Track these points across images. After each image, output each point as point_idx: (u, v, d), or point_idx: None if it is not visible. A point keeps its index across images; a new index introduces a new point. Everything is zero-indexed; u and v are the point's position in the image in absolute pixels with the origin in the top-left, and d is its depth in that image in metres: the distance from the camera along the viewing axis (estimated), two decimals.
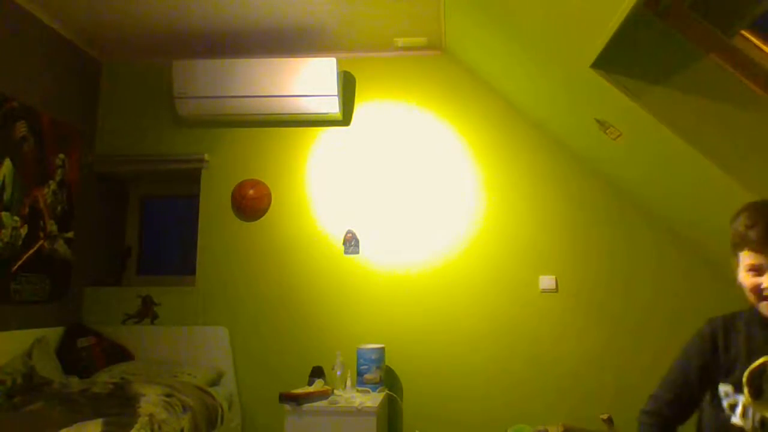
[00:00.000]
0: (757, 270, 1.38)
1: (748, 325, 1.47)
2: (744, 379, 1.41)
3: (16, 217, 3.04)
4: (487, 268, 3.48)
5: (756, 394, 1.39)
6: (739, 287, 1.45)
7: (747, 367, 1.41)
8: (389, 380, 3.37)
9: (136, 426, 2.35)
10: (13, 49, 3.11)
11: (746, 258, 1.40)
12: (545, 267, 3.44)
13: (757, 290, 1.39)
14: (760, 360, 1.39)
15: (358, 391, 3.12)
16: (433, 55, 3.73)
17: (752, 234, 1.37)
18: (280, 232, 3.62)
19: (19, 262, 3.06)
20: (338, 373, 3.21)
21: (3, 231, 2.95)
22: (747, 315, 1.49)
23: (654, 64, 2.37)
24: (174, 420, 2.56)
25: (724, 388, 1.46)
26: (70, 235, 3.46)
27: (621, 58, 2.34)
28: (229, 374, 3.40)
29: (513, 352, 3.38)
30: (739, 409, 1.43)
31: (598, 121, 2.86)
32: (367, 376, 3.15)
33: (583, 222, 3.46)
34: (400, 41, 3.61)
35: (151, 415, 2.46)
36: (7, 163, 2.99)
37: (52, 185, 3.33)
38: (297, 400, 2.86)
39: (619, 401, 3.23)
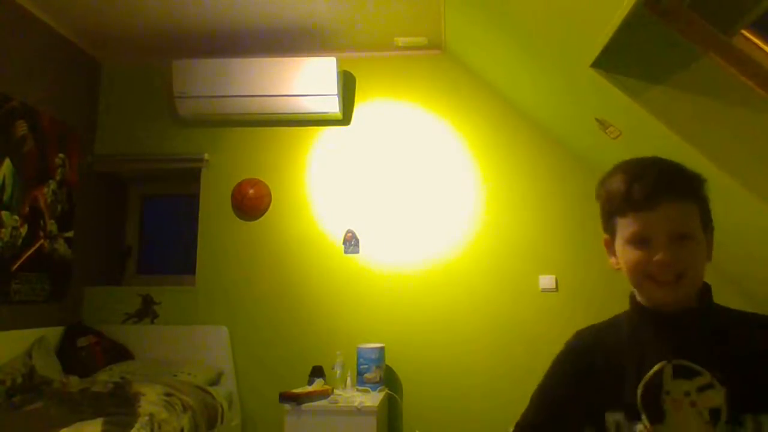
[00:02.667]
0: (643, 240, 1.03)
1: (632, 326, 1.11)
2: (638, 401, 1.02)
3: (16, 217, 3.04)
4: (487, 267, 3.48)
5: (656, 417, 1.00)
6: (620, 272, 1.11)
7: (639, 383, 1.03)
8: (389, 380, 3.38)
9: (136, 425, 2.35)
10: (14, 48, 3.11)
11: (627, 226, 1.05)
12: (545, 266, 3.44)
13: (642, 267, 1.03)
14: (655, 367, 1.02)
15: (358, 390, 3.12)
16: (434, 55, 3.73)
17: (637, 189, 1.03)
18: (280, 232, 3.62)
19: (19, 262, 3.06)
20: (338, 372, 3.21)
21: (3, 230, 2.95)
22: (628, 314, 1.14)
23: (654, 63, 2.37)
24: (174, 419, 2.57)
25: (613, 418, 1.05)
26: (70, 234, 3.46)
27: (621, 58, 2.34)
28: (229, 374, 3.40)
29: (513, 351, 3.38)
30: None
31: (598, 120, 2.86)
32: (367, 376, 3.15)
33: (582, 221, 3.47)
34: (401, 41, 3.60)
35: (151, 415, 2.46)
36: (7, 162, 2.99)
37: (52, 185, 3.33)
38: (297, 399, 2.86)
39: None
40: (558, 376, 1.16)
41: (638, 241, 1.04)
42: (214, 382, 3.27)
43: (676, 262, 1.01)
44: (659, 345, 1.05)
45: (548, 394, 1.17)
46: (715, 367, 0.99)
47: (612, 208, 1.10)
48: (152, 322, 3.58)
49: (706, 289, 1.09)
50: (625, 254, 1.08)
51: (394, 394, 3.34)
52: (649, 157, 1.10)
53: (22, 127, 3.10)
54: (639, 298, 1.11)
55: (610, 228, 1.13)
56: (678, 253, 1.01)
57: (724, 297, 3.39)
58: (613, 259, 1.13)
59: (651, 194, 1.02)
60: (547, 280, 3.42)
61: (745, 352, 1.01)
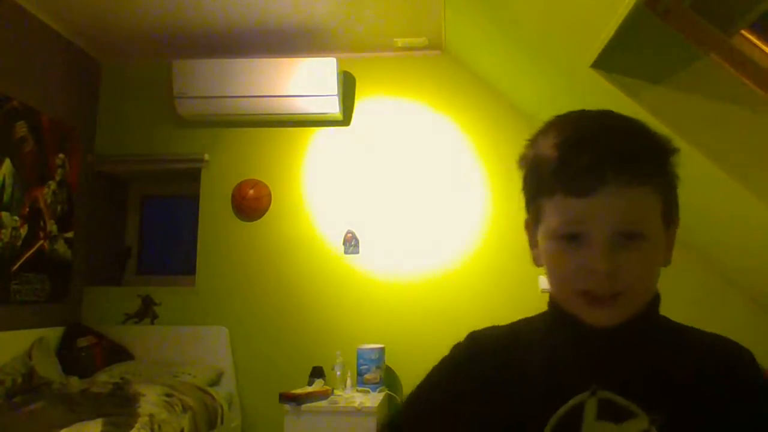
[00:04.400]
0: (575, 236, 0.73)
1: (547, 339, 0.81)
2: None
3: (16, 217, 3.04)
4: (487, 267, 3.48)
5: None
6: (540, 268, 0.82)
7: (547, 423, 0.74)
8: (389, 380, 3.37)
9: (136, 426, 2.35)
10: (13, 49, 3.11)
11: (555, 212, 0.75)
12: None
13: (570, 274, 0.74)
14: (573, 401, 0.74)
15: (358, 391, 3.12)
16: (434, 55, 3.73)
17: (573, 160, 0.72)
18: (279, 232, 3.62)
19: (19, 262, 3.06)
20: (338, 373, 3.21)
21: (3, 231, 2.95)
22: (545, 319, 0.84)
23: (654, 63, 2.37)
24: (174, 420, 2.56)
25: None
26: (70, 235, 3.46)
27: (621, 58, 2.34)
28: (229, 374, 3.40)
29: None
30: None
31: None
32: (367, 376, 3.15)
33: None
34: (401, 41, 3.60)
35: (151, 415, 2.46)
36: (7, 163, 2.99)
37: (52, 185, 3.33)
38: (297, 400, 2.86)
39: None
40: (435, 403, 0.84)
41: (568, 236, 0.73)
42: (214, 382, 3.27)
43: (619, 272, 0.71)
44: (582, 369, 0.75)
45: (425, 417, 0.85)
46: (655, 405, 0.72)
47: (536, 183, 0.79)
48: (152, 323, 3.58)
49: (653, 301, 0.79)
50: (548, 251, 0.77)
51: (394, 395, 3.33)
52: (599, 111, 0.79)
53: (22, 128, 3.10)
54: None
55: (532, 208, 0.81)
56: (624, 259, 0.71)
57: (724, 297, 3.38)
58: (534, 252, 0.83)
59: (593, 170, 0.70)
60: (546, 282, 3.42)
61: (696, 386, 0.74)
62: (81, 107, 3.69)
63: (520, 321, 0.88)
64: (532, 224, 0.83)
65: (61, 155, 3.41)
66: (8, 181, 2.99)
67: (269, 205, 3.65)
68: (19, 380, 2.76)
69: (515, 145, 3.26)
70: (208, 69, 3.53)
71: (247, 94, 3.50)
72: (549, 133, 0.79)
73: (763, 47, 2.26)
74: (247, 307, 3.55)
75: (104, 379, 2.97)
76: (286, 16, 3.33)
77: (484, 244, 3.51)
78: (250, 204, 3.62)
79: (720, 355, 0.80)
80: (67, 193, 3.45)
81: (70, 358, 3.20)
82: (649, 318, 0.79)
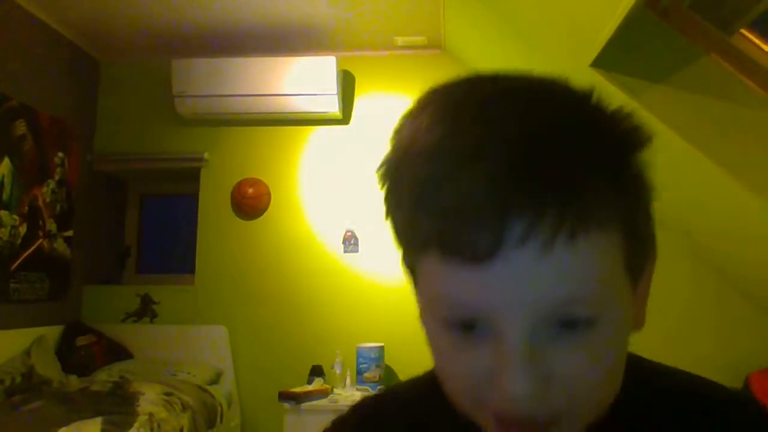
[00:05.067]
0: (471, 323, 0.41)
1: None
2: None
3: (15, 216, 3.03)
4: None
5: None
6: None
7: None
8: (389, 379, 3.37)
9: (136, 425, 2.35)
10: (12, 48, 3.10)
11: (433, 280, 0.43)
12: None
13: (468, 386, 0.43)
14: None
15: (357, 389, 3.12)
16: (433, 54, 3.72)
17: (458, 196, 0.38)
18: (279, 231, 3.62)
19: (19, 261, 3.05)
20: (338, 371, 3.21)
21: (2, 230, 2.95)
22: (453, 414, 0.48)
23: (654, 63, 2.37)
24: (173, 419, 2.57)
25: None
26: (69, 233, 3.45)
27: (621, 57, 2.34)
28: (228, 373, 3.40)
29: None
30: None
31: None
32: (367, 375, 3.15)
33: None
34: (400, 40, 3.60)
35: (150, 414, 2.46)
36: (6, 161, 2.98)
37: (51, 184, 3.32)
38: (296, 398, 2.86)
39: None
40: None
41: (458, 324, 0.42)
42: (214, 381, 3.27)
43: (551, 387, 0.40)
44: None
45: None
46: None
47: (400, 219, 0.45)
48: (151, 322, 3.58)
49: (627, 381, 0.46)
50: (433, 340, 0.46)
51: None
52: (505, 79, 0.45)
53: (21, 127, 3.09)
54: None
55: (407, 259, 0.49)
56: (559, 362, 0.40)
57: (724, 298, 3.37)
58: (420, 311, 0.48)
59: (485, 214, 0.38)
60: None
61: None
62: (80, 106, 3.69)
63: (421, 383, 0.57)
64: (409, 270, 0.49)
65: (60, 154, 3.40)
66: (7, 180, 2.98)
67: (269, 203, 3.65)
68: (19, 379, 2.76)
69: None
70: (207, 68, 3.53)
71: (246, 93, 3.50)
72: (418, 125, 0.43)
73: (763, 46, 2.26)
74: (246, 305, 3.55)
75: (103, 377, 2.97)
76: (285, 14, 3.33)
77: None
78: (250, 203, 3.62)
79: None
80: (66, 192, 3.45)
81: (69, 357, 3.20)
82: (623, 412, 0.48)
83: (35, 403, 2.49)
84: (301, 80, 3.47)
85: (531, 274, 0.38)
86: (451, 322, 0.42)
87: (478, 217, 0.38)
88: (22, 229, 3.09)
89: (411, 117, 0.44)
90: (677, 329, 3.28)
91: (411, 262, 0.47)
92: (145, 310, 3.59)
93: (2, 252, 2.95)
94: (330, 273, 3.55)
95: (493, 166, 0.38)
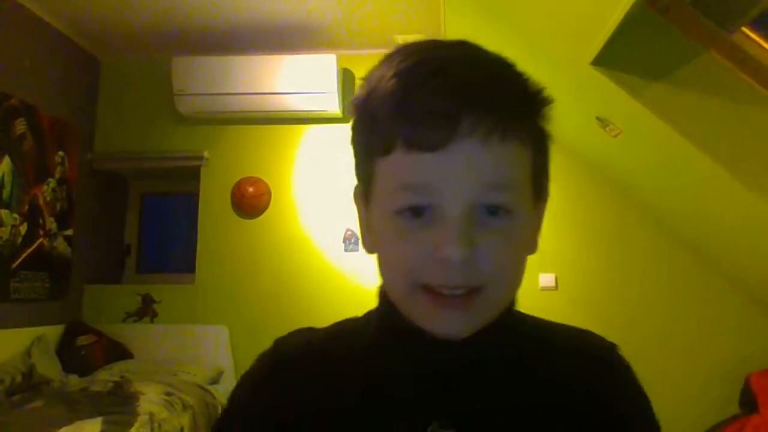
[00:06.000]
0: (419, 209, 0.54)
1: (374, 358, 0.61)
2: None
3: (15, 215, 3.03)
4: None
5: None
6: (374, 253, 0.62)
7: None
8: None
9: (136, 425, 2.34)
10: (12, 46, 3.10)
11: (392, 174, 0.56)
12: (545, 265, 3.44)
13: (412, 263, 0.54)
14: None
15: None
16: None
17: (426, 99, 0.53)
18: (279, 230, 3.62)
19: (19, 260, 3.05)
20: None
21: (2, 229, 2.94)
22: (376, 329, 0.64)
23: (654, 61, 2.37)
24: (174, 418, 2.56)
25: None
26: (69, 232, 3.45)
27: (621, 55, 2.33)
28: (229, 372, 3.40)
29: None
30: None
31: (598, 118, 2.85)
32: None
33: (582, 219, 3.46)
34: (400, 38, 3.59)
35: (150, 414, 2.46)
36: (7, 160, 2.98)
37: (52, 183, 3.32)
38: None
39: None
40: (232, 417, 0.67)
41: (409, 210, 0.54)
42: (214, 380, 3.27)
43: (478, 260, 0.52)
44: (418, 398, 0.56)
45: None
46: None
47: (369, 135, 0.58)
48: (152, 321, 3.57)
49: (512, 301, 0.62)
50: (382, 233, 0.58)
51: None
52: (456, 40, 0.59)
53: (21, 125, 3.09)
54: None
55: (363, 173, 0.61)
56: (485, 242, 0.53)
57: (724, 298, 3.36)
58: (365, 236, 0.63)
59: (446, 112, 0.51)
60: (547, 279, 3.42)
61: (568, 406, 0.58)
62: (80, 104, 3.69)
63: (344, 322, 0.69)
64: (363, 197, 0.62)
65: (60, 153, 3.40)
66: (7, 179, 2.98)
67: (269, 202, 3.65)
68: (19, 378, 2.76)
69: None
70: (207, 66, 3.52)
71: (246, 91, 3.50)
72: (388, 63, 0.57)
73: (764, 44, 2.25)
74: (247, 304, 3.55)
75: (104, 377, 2.97)
76: (285, 12, 3.32)
77: None
78: (250, 201, 3.61)
79: (591, 363, 0.62)
80: (66, 191, 3.45)
81: (69, 357, 3.20)
82: (509, 324, 0.60)
83: (35, 403, 2.49)
84: (302, 78, 3.47)
85: (474, 159, 0.52)
86: (401, 210, 0.54)
87: (438, 116, 0.52)
88: (23, 228, 3.09)
89: (378, 66, 0.59)
90: (677, 329, 3.27)
91: (368, 171, 0.59)
92: (146, 310, 3.59)
93: (2, 251, 2.95)
94: (330, 272, 3.55)
95: (452, 80, 0.53)
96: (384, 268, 0.59)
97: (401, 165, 0.54)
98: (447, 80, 0.53)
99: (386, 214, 0.56)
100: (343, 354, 0.63)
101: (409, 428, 0.55)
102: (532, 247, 0.62)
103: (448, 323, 0.55)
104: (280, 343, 0.69)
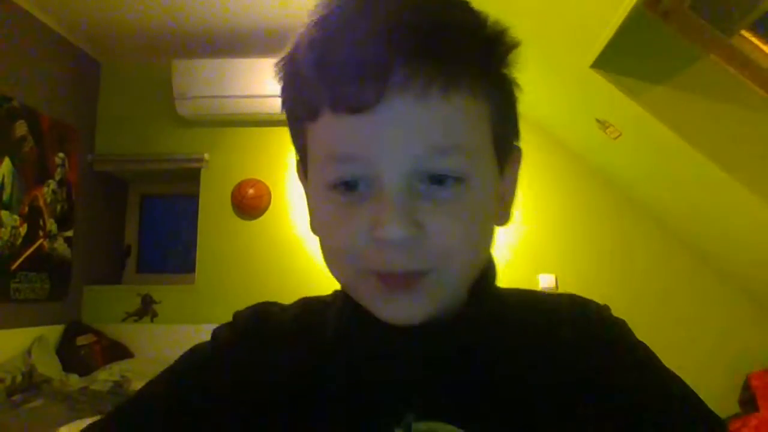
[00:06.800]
0: (352, 182, 0.47)
1: (342, 342, 0.56)
2: None
3: (15, 216, 3.04)
4: None
5: None
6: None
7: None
8: None
9: None
10: (13, 48, 3.11)
11: (321, 141, 0.50)
12: (545, 265, 3.44)
13: (347, 243, 0.49)
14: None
15: None
16: None
17: (347, 51, 0.44)
18: (279, 231, 3.62)
19: (19, 261, 3.06)
20: None
21: (2, 230, 2.95)
22: (338, 306, 0.60)
23: (654, 64, 2.38)
24: None
25: None
26: (69, 233, 3.45)
27: (621, 58, 2.34)
28: None
29: None
30: None
31: (598, 120, 2.86)
32: None
33: (582, 221, 3.47)
34: None
35: None
36: (7, 162, 2.98)
37: (52, 184, 3.33)
38: None
39: None
40: (166, 389, 0.57)
41: (342, 184, 0.47)
42: None
43: (422, 238, 0.45)
44: (388, 384, 0.51)
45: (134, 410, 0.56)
46: (494, 420, 0.49)
47: (294, 99, 0.53)
48: (152, 321, 3.58)
49: (484, 276, 0.53)
50: (317, 210, 0.54)
51: None
52: None
53: (21, 127, 3.10)
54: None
55: (297, 142, 0.57)
56: (429, 216, 0.45)
57: (724, 298, 3.36)
58: (312, 221, 0.58)
59: (372, 65, 0.43)
60: (547, 279, 3.43)
61: (546, 388, 0.51)
62: (81, 107, 3.69)
63: (311, 302, 0.63)
64: (303, 172, 0.56)
65: (60, 154, 3.41)
66: (8, 180, 2.99)
67: (269, 204, 3.65)
68: (19, 378, 2.76)
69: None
70: (208, 69, 3.53)
71: (247, 94, 3.50)
72: (313, 15, 0.49)
73: (764, 47, 2.26)
74: (246, 304, 3.52)
75: (104, 377, 2.97)
76: (285, 15, 3.33)
77: None
78: (250, 203, 3.62)
79: (582, 335, 0.54)
80: (66, 193, 3.45)
81: (69, 357, 3.20)
82: (475, 303, 0.52)
83: (35, 402, 2.49)
84: None
85: (410, 119, 0.43)
86: (334, 183, 0.47)
87: (365, 68, 0.43)
88: (23, 230, 3.09)
89: (313, 11, 0.50)
90: (677, 329, 3.28)
91: (303, 136, 0.52)
92: (146, 310, 3.59)
93: (3, 252, 2.95)
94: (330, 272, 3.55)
95: (378, 23, 0.43)
96: (324, 251, 0.53)
97: (328, 131, 0.47)
98: (374, 23, 0.43)
99: (320, 190, 0.49)
100: (308, 338, 0.57)
101: (384, 413, 0.49)
102: (501, 218, 0.54)
103: (397, 309, 0.48)
104: (239, 317, 0.65)
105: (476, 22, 0.49)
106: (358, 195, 0.47)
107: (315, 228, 0.56)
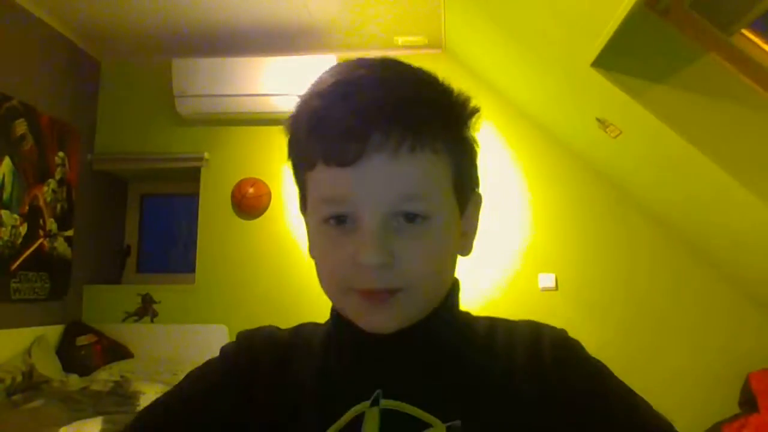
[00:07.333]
0: (342, 217, 0.60)
1: (328, 347, 0.69)
2: None
3: (15, 216, 3.03)
4: (486, 265, 3.48)
5: None
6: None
7: (324, 429, 0.60)
8: None
9: None
10: (12, 47, 3.10)
11: (316, 187, 0.62)
12: (545, 265, 3.44)
13: (338, 267, 0.61)
14: (349, 413, 0.60)
15: None
16: (434, 54, 3.72)
17: (332, 119, 0.58)
18: (279, 231, 3.62)
19: (19, 261, 3.06)
20: None
21: (3, 229, 2.95)
22: (330, 326, 0.72)
23: (654, 62, 2.37)
24: None
25: None
26: (69, 233, 3.45)
27: (621, 57, 2.34)
28: None
29: None
30: None
31: (598, 119, 2.86)
32: None
33: (582, 220, 3.47)
34: (400, 40, 3.60)
35: None
36: (7, 161, 2.98)
37: (52, 184, 3.32)
38: None
39: None
40: (188, 392, 0.67)
41: (334, 219, 0.60)
42: None
43: (396, 264, 0.58)
44: (363, 377, 0.63)
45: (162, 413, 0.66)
46: (452, 407, 0.59)
47: (296, 150, 0.65)
48: (152, 321, 3.58)
49: (448, 295, 0.66)
50: (315, 240, 0.66)
51: None
52: (381, 58, 0.66)
53: (21, 126, 3.09)
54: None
55: (299, 183, 0.67)
56: (402, 247, 0.58)
57: (724, 298, 3.35)
58: (311, 247, 0.69)
59: (356, 129, 0.57)
60: (547, 279, 3.42)
61: (497, 379, 0.62)
62: (81, 106, 3.69)
63: (306, 324, 0.75)
64: (303, 206, 0.68)
65: (60, 154, 3.41)
66: (8, 180, 2.99)
67: (269, 203, 3.65)
68: (19, 378, 2.76)
69: (515, 144, 3.28)
70: (207, 67, 3.53)
71: (247, 93, 3.50)
72: (315, 84, 0.62)
73: (763, 46, 2.26)
74: (246, 305, 3.55)
75: (104, 377, 2.97)
76: (285, 14, 3.33)
77: (483, 242, 3.51)
78: (250, 202, 3.62)
79: (525, 342, 0.64)
80: (66, 192, 3.45)
81: (69, 356, 3.20)
82: (440, 317, 0.64)
83: (35, 402, 2.49)
84: (302, 80, 3.44)
85: (384, 173, 0.57)
86: (329, 217, 0.60)
87: (350, 134, 0.56)
88: (23, 229, 3.09)
89: (311, 85, 0.63)
90: (677, 329, 3.28)
91: (303, 181, 0.64)
92: (146, 310, 3.59)
93: (3, 252, 2.95)
94: None
95: (363, 100, 0.57)
96: (319, 272, 0.66)
97: (322, 179, 0.60)
98: (358, 101, 0.58)
99: (316, 223, 0.63)
100: (306, 344, 0.70)
101: (354, 401, 0.61)
102: (464, 249, 0.68)
103: (375, 320, 0.61)
104: (246, 333, 0.73)
105: (441, 95, 0.63)
106: (345, 229, 0.60)
107: (312, 253, 0.68)
